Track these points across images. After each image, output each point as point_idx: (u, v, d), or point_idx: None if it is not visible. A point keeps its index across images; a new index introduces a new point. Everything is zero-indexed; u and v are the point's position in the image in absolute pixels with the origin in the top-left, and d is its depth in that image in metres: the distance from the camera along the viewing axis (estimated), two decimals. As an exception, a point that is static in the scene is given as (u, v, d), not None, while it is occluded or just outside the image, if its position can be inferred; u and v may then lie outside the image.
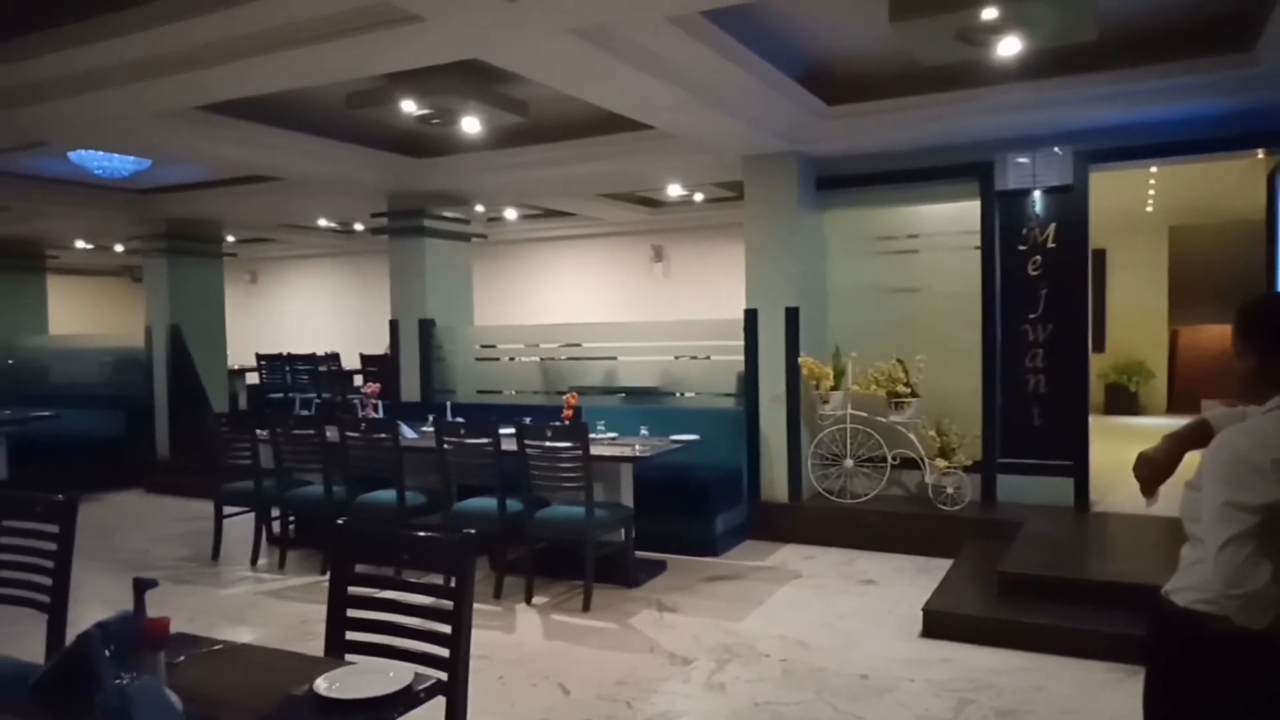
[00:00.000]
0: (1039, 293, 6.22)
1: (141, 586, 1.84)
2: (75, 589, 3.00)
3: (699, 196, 10.24)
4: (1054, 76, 5.37)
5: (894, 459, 6.40)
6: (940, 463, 6.20)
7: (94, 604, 4.72)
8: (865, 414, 6.40)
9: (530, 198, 9.85)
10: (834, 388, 6.41)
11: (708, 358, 7.30)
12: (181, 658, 2.04)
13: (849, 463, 6.47)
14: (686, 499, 6.09)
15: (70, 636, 2.50)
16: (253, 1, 3.77)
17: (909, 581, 5.37)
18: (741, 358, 6.75)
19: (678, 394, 7.31)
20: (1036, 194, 6.18)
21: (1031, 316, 6.25)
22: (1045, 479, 6.19)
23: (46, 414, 8.39)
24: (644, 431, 5.82)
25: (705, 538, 6.09)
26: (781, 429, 6.60)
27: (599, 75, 4.75)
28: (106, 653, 1.67)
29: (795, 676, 4.04)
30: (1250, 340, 1.89)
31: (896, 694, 3.83)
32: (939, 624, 4.51)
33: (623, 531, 5.39)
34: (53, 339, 11.50)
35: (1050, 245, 6.18)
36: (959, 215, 6.53)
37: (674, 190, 9.57)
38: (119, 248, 13.08)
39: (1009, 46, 4.50)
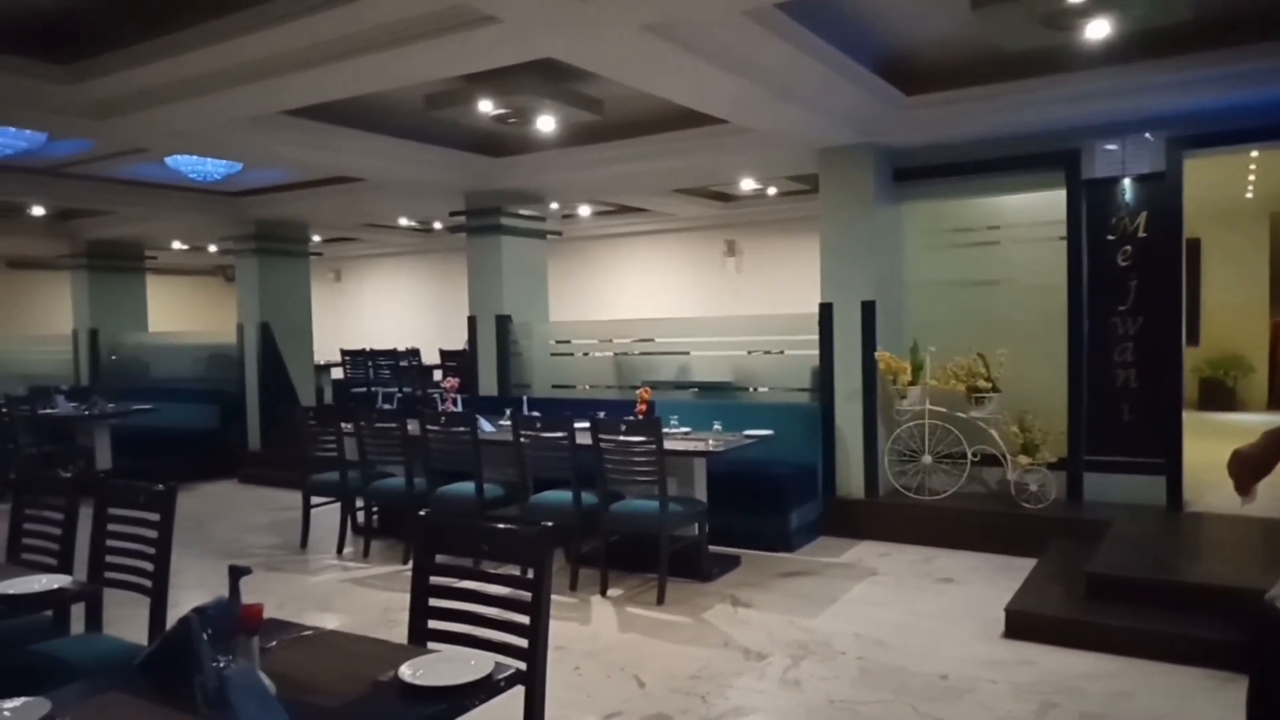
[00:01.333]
0: (1129, 284, 5.99)
1: (236, 574, 1.93)
2: (174, 574, 3.17)
3: (772, 190, 10.16)
4: (1145, 60, 5.16)
5: (974, 455, 6.25)
6: (1023, 459, 6.03)
7: (192, 589, 4.95)
8: (944, 409, 6.26)
9: (604, 194, 9.92)
10: (911, 383, 6.29)
11: (781, 352, 7.24)
12: (274, 642, 2.13)
13: (927, 459, 6.34)
14: (760, 494, 6.06)
15: (171, 619, 2.64)
16: (336, 8, 3.90)
17: (990, 581, 5.25)
18: (816, 352, 6.68)
19: (751, 389, 7.27)
20: (1126, 182, 5.95)
21: (1121, 309, 6.02)
22: (1135, 477, 5.96)
23: (147, 407, 8.83)
24: (717, 426, 5.81)
25: (779, 533, 6.05)
26: (857, 424, 6.51)
27: (673, 71, 4.75)
28: (205, 636, 1.76)
29: (872, 675, 3.99)
30: None
31: (977, 695, 3.75)
32: (1022, 625, 4.39)
33: (696, 526, 5.40)
34: (152, 336, 12.06)
35: (1141, 235, 5.94)
36: (1042, 205, 6.33)
37: (747, 184, 9.51)
38: (212, 248, 13.65)
39: (1098, 29, 4.34)
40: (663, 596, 5.04)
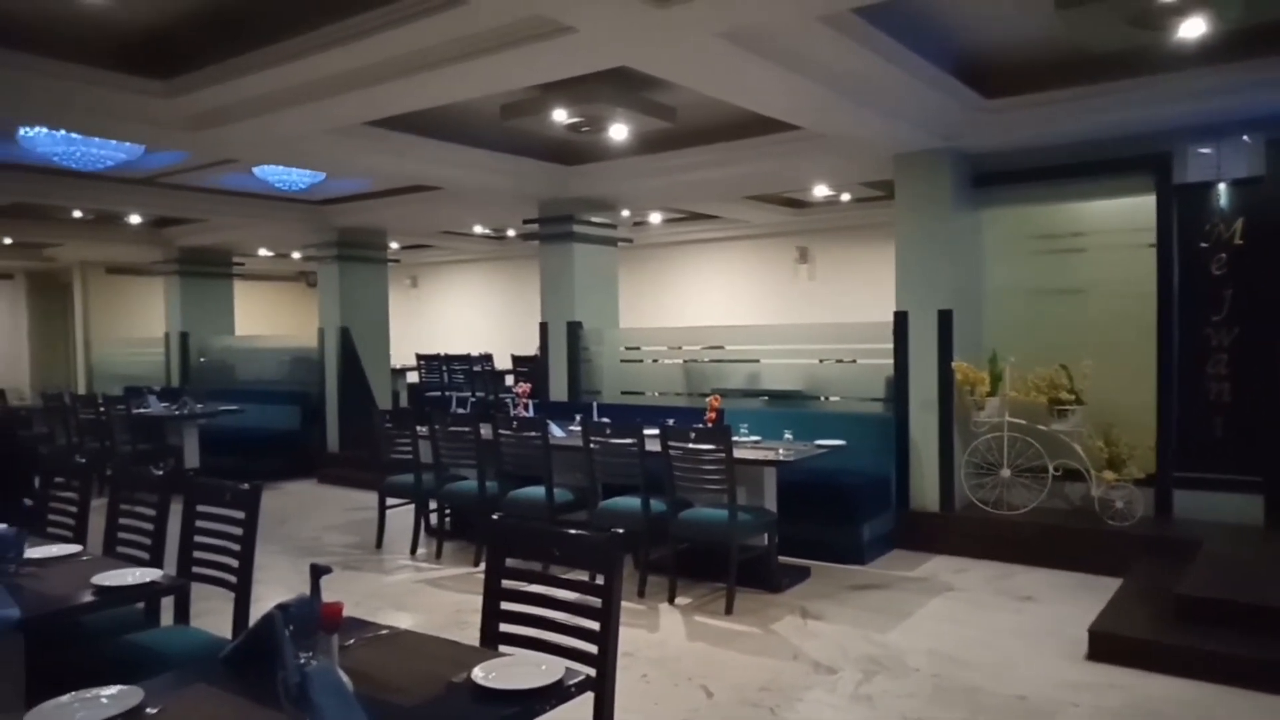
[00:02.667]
0: (1223, 294, 5.73)
1: (318, 573, 1.97)
2: (256, 570, 3.26)
3: (846, 196, 10.02)
4: (1243, 58, 4.93)
5: (1056, 470, 6.04)
6: (1108, 475, 5.81)
7: (273, 585, 5.11)
8: (1024, 422, 6.08)
9: (676, 201, 9.94)
10: (990, 394, 6.12)
11: (854, 361, 7.13)
12: (351, 640, 2.18)
13: (1006, 472, 6.16)
14: (832, 505, 5.97)
15: (254, 614, 2.72)
16: (418, 21, 3.99)
17: (1072, 600, 5.07)
18: (890, 361, 6.56)
19: (822, 398, 7.18)
20: (1221, 187, 5.70)
21: (1215, 319, 5.76)
22: (1230, 495, 5.69)
23: (233, 408, 9.16)
24: (788, 435, 5.75)
25: (851, 545, 5.96)
26: (933, 436, 6.37)
27: (748, 78, 4.74)
28: (287, 633, 1.81)
29: (947, 693, 3.89)
30: None
31: (1058, 718, 3.63)
32: (1106, 646, 4.23)
33: (766, 536, 5.34)
34: (238, 339, 12.51)
35: (1237, 242, 5.68)
36: (1130, 211, 6.10)
37: (820, 190, 9.41)
38: (296, 255, 14.12)
39: (1192, 28, 4.17)
40: (731, 606, 5.00)
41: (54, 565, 2.95)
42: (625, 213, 9.62)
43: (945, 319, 6.30)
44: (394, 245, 12.61)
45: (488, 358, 12.67)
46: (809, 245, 12.20)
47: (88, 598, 2.66)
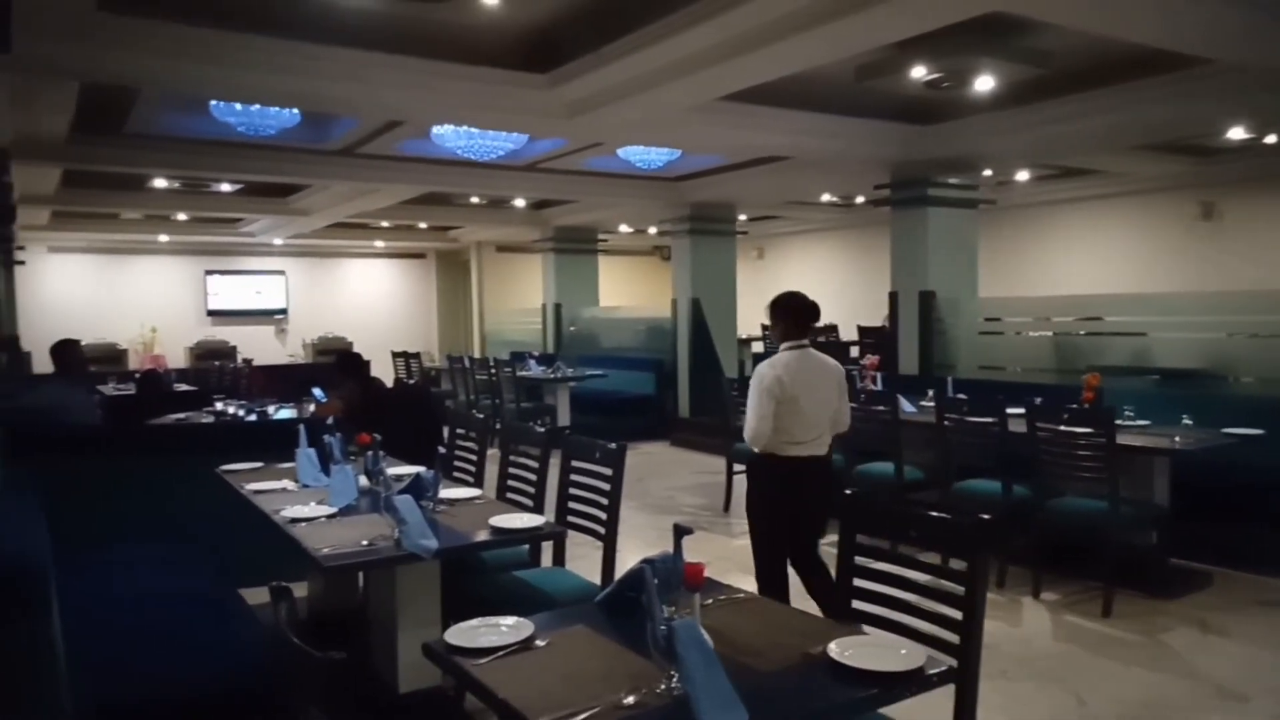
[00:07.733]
0: None
1: (680, 532, 2.05)
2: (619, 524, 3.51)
3: (1271, 138, 8.37)
4: None
5: None
6: None
7: (632, 538, 5.49)
8: None
9: (1047, 156, 8.98)
10: None
11: (1275, 336, 6.00)
12: (709, 601, 2.25)
13: None
14: (1242, 504, 5.08)
15: (618, 565, 2.93)
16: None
17: None
18: (1329, 337, 5.42)
19: (1232, 379, 6.13)
20: None
21: None
22: None
23: (599, 373, 10.00)
24: (1186, 421, 5.00)
25: (1268, 553, 5.02)
26: (1389, 429, 5.16)
27: (1152, 8, 4.11)
28: (654, 586, 1.90)
29: (1405, 747, 3.15)
30: None
31: None
32: None
33: (1153, 534, 4.70)
34: (602, 310, 13.60)
35: None
36: None
37: (1234, 133, 7.95)
38: (652, 230, 14.98)
39: None
40: (1109, 609, 4.47)
41: (459, 505, 3.40)
42: (987, 172, 8.92)
43: None
44: (741, 218, 12.88)
45: (833, 328, 12.52)
46: (1215, 199, 10.43)
47: (486, 536, 3.03)
